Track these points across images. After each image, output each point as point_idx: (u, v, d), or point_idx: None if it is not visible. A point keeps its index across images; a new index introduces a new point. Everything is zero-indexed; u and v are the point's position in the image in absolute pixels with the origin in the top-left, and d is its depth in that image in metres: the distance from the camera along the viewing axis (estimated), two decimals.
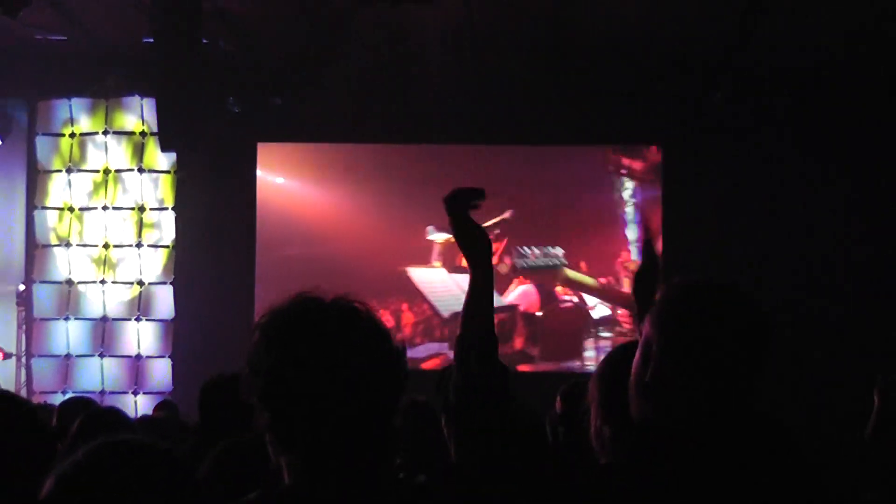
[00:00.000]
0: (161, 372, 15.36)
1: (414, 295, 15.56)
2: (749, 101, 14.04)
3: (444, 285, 15.59)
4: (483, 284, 3.40)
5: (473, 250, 3.40)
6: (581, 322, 15.41)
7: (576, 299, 15.48)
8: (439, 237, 15.52)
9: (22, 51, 14.51)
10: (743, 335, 2.85)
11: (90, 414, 5.96)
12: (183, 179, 15.52)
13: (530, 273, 15.51)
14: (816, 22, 12.42)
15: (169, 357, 15.38)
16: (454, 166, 14.94)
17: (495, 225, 15.24)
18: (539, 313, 15.51)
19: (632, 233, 15.32)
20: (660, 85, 14.00)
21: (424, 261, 15.55)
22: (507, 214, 15.33)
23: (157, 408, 10.53)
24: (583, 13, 13.05)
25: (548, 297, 15.51)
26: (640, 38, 13.39)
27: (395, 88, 13.75)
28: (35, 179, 15.79)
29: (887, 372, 5.76)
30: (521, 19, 13.19)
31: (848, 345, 12.50)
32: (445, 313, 15.40)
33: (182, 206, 15.55)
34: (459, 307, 3.46)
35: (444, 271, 15.67)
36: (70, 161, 15.73)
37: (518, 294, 15.49)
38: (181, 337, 15.21)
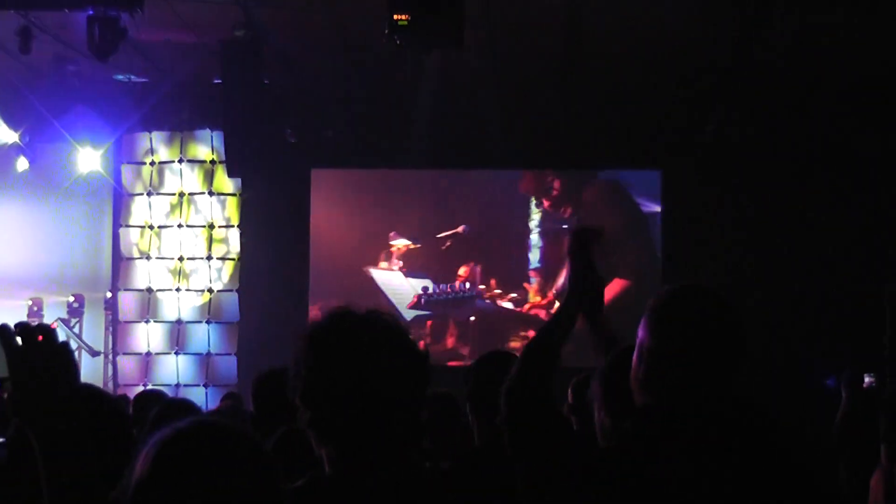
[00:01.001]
0: (228, 368, 15.40)
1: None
2: (741, 128, 13.97)
3: (402, 287, 15.42)
4: (574, 308, 3.38)
5: (582, 287, 3.39)
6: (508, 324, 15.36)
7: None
8: (400, 243, 15.51)
9: (110, 90, 14.55)
10: (720, 335, 2.86)
11: (166, 403, 5.98)
12: (246, 201, 15.54)
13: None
14: (808, 49, 12.36)
15: (234, 355, 15.42)
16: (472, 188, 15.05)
17: (447, 237, 15.34)
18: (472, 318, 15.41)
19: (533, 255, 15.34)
20: (659, 114, 13.94)
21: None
22: (459, 229, 15.34)
23: (223, 398, 10.53)
24: (590, 53, 13.05)
25: None
26: (641, 72, 13.35)
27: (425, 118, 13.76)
28: (120, 202, 15.85)
29: (853, 369, 5.76)
30: (537, 59, 13.18)
31: (823, 345, 12.43)
32: (405, 314, 15.09)
33: (246, 224, 15.59)
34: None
35: (401, 274, 15.52)
36: (150, 185, 15.82)
37: None
38: (245, 337, 15.23)
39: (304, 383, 2.62)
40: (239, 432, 2.18)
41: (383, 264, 15.45)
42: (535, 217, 15.34)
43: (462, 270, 15.44)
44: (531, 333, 14.79)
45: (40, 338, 2.02)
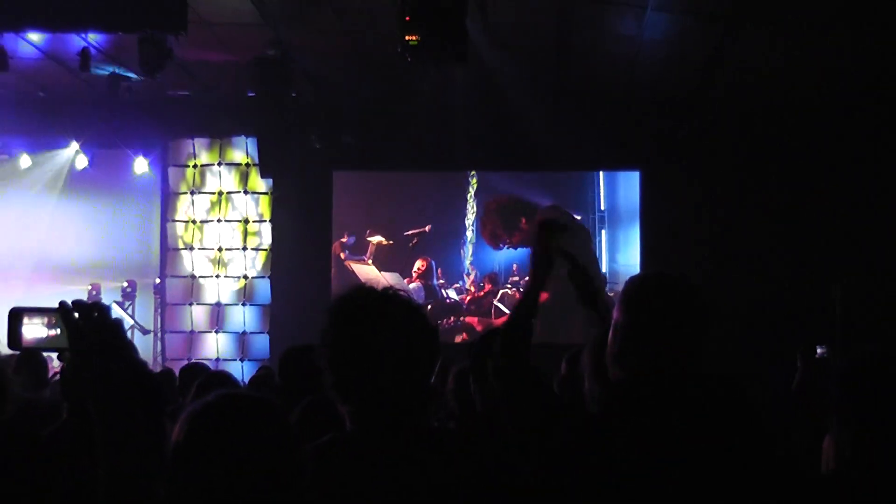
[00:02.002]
0: (261, 344, 15.42)
1: None
2: (712, 134, 13.97)
3: (377, 280, 15.09)
4: (539, 286, 3.38)
5: (543, 268, 3.37)
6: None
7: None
8: (374, 239, 15.45)
9: (158, 103, 14.56)
10: (686, 314, 2.85)
11: (207, 375, 5.99)
12: (277, 199, 15.56)
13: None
14: (768, 68, 12.35)
15: (267, 333, 15.43)
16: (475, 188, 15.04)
17: (414, 235, 15.31)
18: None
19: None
20: (638, 120, 13.92)
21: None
22: (426, 228, 15.34)
23: (257, 371, 10.56)
24: (579, 71, 13.04)
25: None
26: (621, 83, 13.33)
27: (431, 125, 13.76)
28: (168, 200, 15.87)
29: (808, 342, 5.76)
30: (529, 73, 13.15)
31: (782, 322, 12.41)
32: None
33: (276, 219, 15.59)
34: None
35: (374, 268, 15.39)
36: (193, 185, 15.86)
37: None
38: (276, 318, 15.24)
39: (329, 350, 2.64)
40: (259, 402, 2.22)
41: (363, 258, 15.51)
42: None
43: (418, 265, 15.44)
44: (470, 319, 15.07)
45: (95, 314, 2.02)
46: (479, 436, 3.19)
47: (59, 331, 2.03)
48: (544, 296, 3.49)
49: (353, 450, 2.58)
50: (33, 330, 2.06)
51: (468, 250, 15.31)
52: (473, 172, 15.24)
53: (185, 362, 13.17)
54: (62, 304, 2.02)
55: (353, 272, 15.26)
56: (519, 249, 15.06)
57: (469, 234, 15.30)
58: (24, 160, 15.79)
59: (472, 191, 15.30)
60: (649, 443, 2.69)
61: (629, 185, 15.06)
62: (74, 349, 1.98)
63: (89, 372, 1.96)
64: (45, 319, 2.05)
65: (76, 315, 2.01)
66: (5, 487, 2.42)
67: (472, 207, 15.25)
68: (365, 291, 2.70)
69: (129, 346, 2.05)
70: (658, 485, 2.65)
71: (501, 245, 15.17)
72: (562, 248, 3.47)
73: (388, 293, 2.69)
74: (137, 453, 1.93)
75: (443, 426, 2.96)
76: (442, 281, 15.32)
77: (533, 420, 3.03)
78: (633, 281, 3.00)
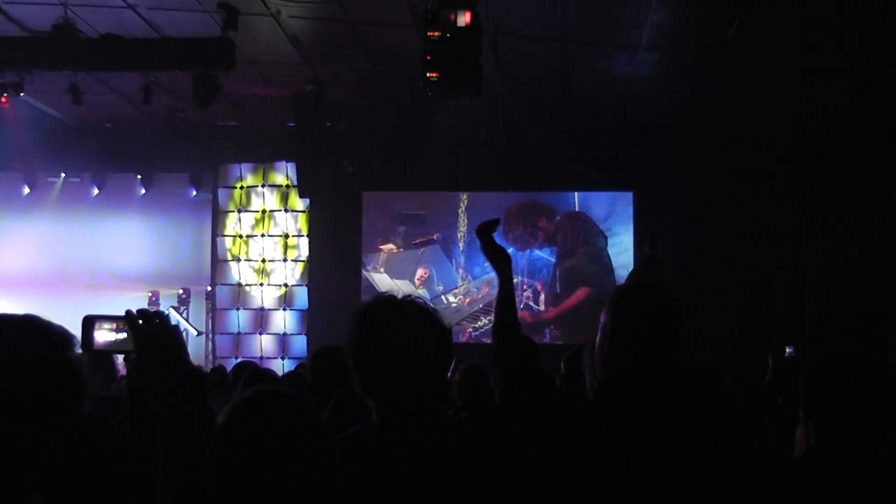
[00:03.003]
0: (299, 345, 15.43)
1: None
2: (695, 159, 13.97)
3: (389, 288, 14.87)
4: (505, 284, 3.28)
5: (496, 262, 3.36)
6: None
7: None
8: (385, 247, 15.44)
9: (209, 132, 14.63)
10: (661, 319, 2.89)
11: (253, 371, 6.03)
12: (313, 216, 15.60)
13: None
14: (742, 102, 12.37)
15: (305, 334, 15.45)
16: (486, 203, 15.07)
17: (423, 242, 15.29)
18: None
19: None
20: (631, 148, 13.94)
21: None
22: (434, 236, 15.32)
23: (296, 368, 10.58)
24: (579, 103, 13.06)
25: None
26: (617, 114, 13.34)
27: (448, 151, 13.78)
28: (218, 217, 15.92)
29: (777, 342, 5.76)
30: (537, 102, 13.19)
31: (757, 323, 12.37)
32: None
33: (313, 234, 15.61)
34: None
35: (387, 276, 15.37)
36: (240, 205, 15.87)
37: None
38: (313, 321, 15.25)
39: (356, 352, 2.66)
40: (290, 397, 2.25)
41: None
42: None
43: (419, 273, 15.44)
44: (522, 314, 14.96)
45: (157, 320, 2.05)
46: (488, 423, 3.19)
47: (125, 335, 2.07)
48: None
49: (380, 439, 2.59)
50: (103, 335, 2.08)
51: (460, 260, 15.33)
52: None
53: (233, 360, 13.23)
54: (128, 312, 2.04)
55: (371, 281, 15.31)
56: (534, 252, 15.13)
57: (461, 244, 15.32)
58: (92, 183, 15.91)
59: (462, 206, 15.34)
60: (634, 428, 2.74)
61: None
62: (139, 351, 2.02)
63: (151, 370, 1.99)
64: (114, 325, 2.07)
65: (140, 322, 2.04)
66: (84, 467, 2.47)
67: (464, 221, 15.26)
68: (387, 299, 2.71)
69: (184, 348, 2.07)
70: (643, 463, 2.69)
71: (527, 248, 15.10)
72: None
73: (407, 300, 2.70)
74: (188, 437, 1.96)
75: (456, 415, 2.97)
76: (441, 287, 15.32)
77: (534, 410, 3.04)
78: (617, 290, 3.07)
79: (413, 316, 2.65)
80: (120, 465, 2.46)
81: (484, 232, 3.37)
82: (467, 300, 15.19)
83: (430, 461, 2.52)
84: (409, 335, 2.61)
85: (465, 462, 2.55)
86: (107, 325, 2.08)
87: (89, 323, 2.07)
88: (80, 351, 1.93)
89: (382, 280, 15.32)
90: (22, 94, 11.83)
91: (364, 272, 15.35)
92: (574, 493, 2.75)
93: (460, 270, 15.31)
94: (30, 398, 1.75)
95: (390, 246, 15.42)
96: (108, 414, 2.80)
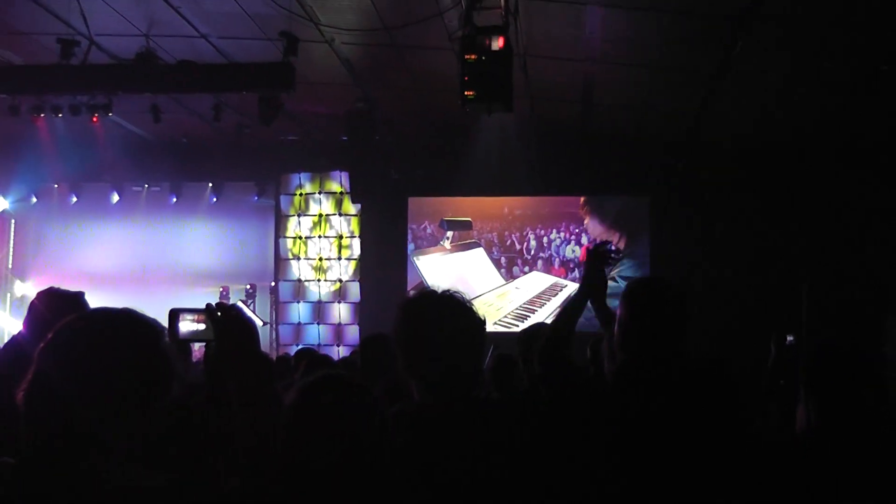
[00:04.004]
0: (353, 334, 15.44)
1: None
2: (703, 167, 13.87)
3: (454, 274, 15.05)
4: (581, 302, 3.31)
5: (592, 287, 3.33)
6: None
7: None
8: (448, 225, 15.40)
9: (272, 146, 14.70)
10: (669, 311, 2.89)
11: (313, 357, 6.07)
12: (364, 220, 15.62)
13: None
14: (744, 117, 12.28)
15: (357, 324, 15.46)
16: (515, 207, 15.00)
17: (469, 245, 15.29)
18: None
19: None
20: (648, 158, 13.86)
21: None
22: (479, 240, 15.17)
23: (350, 355, 10.61)
24: (600, 117, 13.01)
25: None
26: (634, 126, 13.28)
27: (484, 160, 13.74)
28: (280, 220, 15.98)
29: (779, 332, 5.72)
30: (562, 117, 13.16)
31: (761, 314, 12.26)
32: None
33: (364, 235, 15.64)
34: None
35: (452, 255, 15.31)
36: (299, 209, 15.93)
37: None
38: (364, 312, 15.27)
39: (399, 338, 2.67)
40: (349, 379, 2.26)
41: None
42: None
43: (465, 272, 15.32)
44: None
45: (233, 313, 2.07)
46: (516, 404, 3.19)
47: (205, 326, 2.09)
48: None
49: (420, 417, 2.60)
50: (186, 325, 2.11)
51: (502, 262, 15.31)
52: None
53: (294, 347, 13.30)
54: (209, 305, 2.07)
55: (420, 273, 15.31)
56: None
57: (503, 248, 15.28)
58: (170, 192, 16.05)
59: (504, 211, 15.31)
60: (645, 409, 2.74)
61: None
62: (218, 340, 2.04)
63: (229, 357, 2.01)
64: (195, 317, 2.10)
65: (219, 314, 2.06)
66: (174, 442, 2.51)
67: (507, 225, 15.23)
68: (428, 293, 2.73)
69: (256, 336, 2.09)
70: (654, 440, 2.69)
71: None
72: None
73: (446, 294, 2.71)
74: (261, 415, 1.98)
75: (488, 396, 2.97)
76: (484, 287, 15.21)
77: (563, 393, 3.04)
78: (631, 284, 3.05)
79: (451, 307, 2.66)
80: (202, 441, 2.49)
81: (598, 257, 3.35)
82: (508, 300, 15.13)
83: (464, 436, 2.53)
84: (446, 324, 2.62)
85: (495, 437, 2.55)
86: (189, 317, 2.11)
87: (174, 315, 2.11)
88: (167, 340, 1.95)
89: (438, 262, 15.33)
90: (110, 114, 11.95)
91: (415, 261, 15.34)
92: (591, 466, 2.75)
93: (502, 271, 15.26)
94: (129, 381, 1.78)
95: (440, 247, 15.40)
96: (186, 396, 2.83)
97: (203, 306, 2.10)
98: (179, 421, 2.43)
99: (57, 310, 3.49)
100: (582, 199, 15.00)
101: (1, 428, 1.99)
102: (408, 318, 2.68)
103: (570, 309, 3.34)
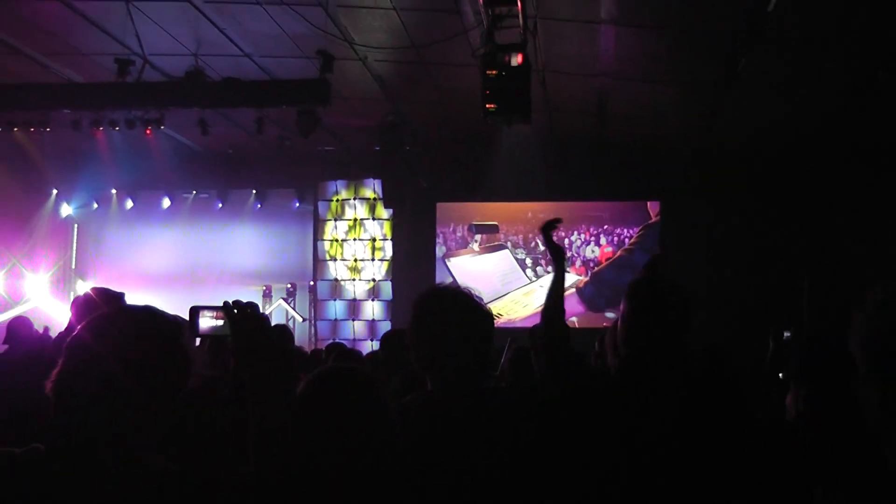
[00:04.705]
0: (385, 329, 15.26)
1: None
2: (711, 171, 13.76)
3: (482, 273, 14.97)
4: (559, 275, 3.26)
5: (554, 255, 3.31)
6: None
7: None
8: (477, 228, 15.28)
9: (310, 156, 14.77)
10: (670, 307, 2.82)
11: (341, 351, 6.07)
12: (396, 224, 15.63)
13: None
14: (748, 126, 12.18)
15: (389, 320, 15.44)
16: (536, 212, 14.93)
17: (496, 247, 15.14)
18: None
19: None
20: (660, 162, 13.75)
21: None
22: (505, 242, 15.10)
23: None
24: (614, 127, 12.94)
25: None
26: (646, 135, 13.19)
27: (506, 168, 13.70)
28: (318, 224, 16.01)
29: (777, 327, 5.65)
30: (578, 127, 13.11)
31: (763, 309, 12.13)
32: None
33: (396, 238, 15.64)
34: (487, 300, 3.26)
35: (481, 257, 15.22)
36: (336, 214, 15.93)
37: None
38: (396, 309, 15.27)
39: (411, 333, 2.65)
40: (354, 372, 2.24)
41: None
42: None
43: (493, 272, 15.28)
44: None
45: (249, 310, 2.05)
46: (527, 393, 3.15)
47: (223, 322, 2.09)
48: None
49: (432, 405, 2.58)
50: (206, 321, 2.10)
51: (527, 262, 15.23)
52: None
53: (331, 342, 13.35)
54: (225, 302, 2.05)
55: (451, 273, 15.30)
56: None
57: (527, 249, 15.22)
58: (217, 198, 16.15)
59: (528, 215, 15.23)
60: (649, 399, 2.69)
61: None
62: (234, 335, 2.03)
63: (243, 350, 2.00)
64: (214, 314, 2.10)
65: (235, 311, 2.05)
66: (193, 431, 2.51)
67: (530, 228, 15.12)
68: (438, 289, 2.70)
69: (270, 332, 2.07)
70: (655, 427, 2.64)
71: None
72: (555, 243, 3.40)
73: (456, 291, 2.68)
74: (276, 404, 1.96)
75: (496, 386, 2.94)
76: (511, 285, 15.15)
77: (567, 382, 3.00)
78: (634, 282, 2.99)
79: (459, 303, 2.63)
80: (220, 430, 2.49)
81: (546, 229, 3.35)
82: (533, 298, 15.05)
83: (473, 423, 2.50)
84: (455, 318, 2.59)
85: (500, 426, 2.52)
86: (209, 314, 2.09)
87: (195, 312, 2.10)
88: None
89: (470, 264, 15.27)
90: (162, 127, 12.08)
91: (447, 262, 15.31)
92: (593, 457, 2.71)
93: (527, 271, 15.22)
94: (148, 373, 1.77)
95: (469, 249, 15.37)
96: (212, 388, 2.82)
97: (220, 304, 2.09)
98: (196, 410, 2.42)
99: (97, 307, 3.50)
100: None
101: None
102: (418, 314, 2.66)
103: (553, 283, 3.27)
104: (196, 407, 2.45)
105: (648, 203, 14.89)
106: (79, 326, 1.79)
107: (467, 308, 2.63)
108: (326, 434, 2.08)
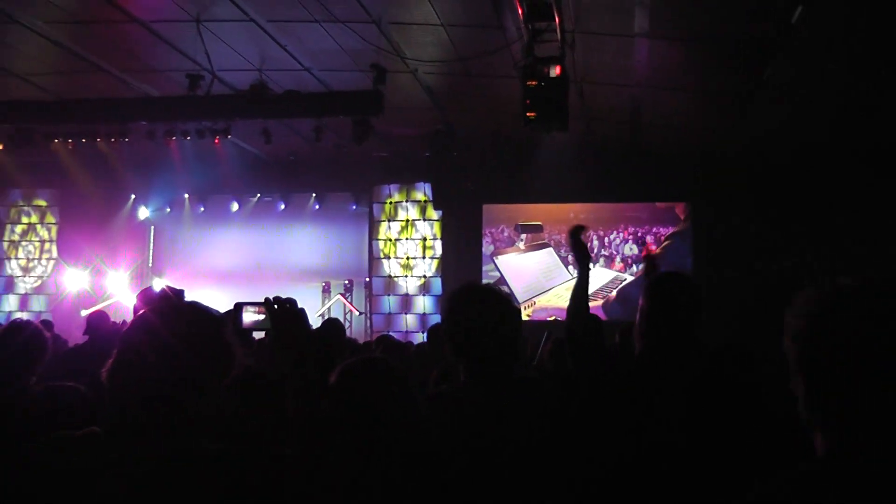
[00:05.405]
0: (435, 322, 15.38)
1: None
2: (735, 174, 13.56)
3: (528, 270, 14.87)
4: (584, 274, 3.28)
5: (580, 257, 3.31)
6: None
7: None
8: (522, 228, 15.16)
9: (365, 161, 14.86)
10: (686, 302, 2.81)
11: (388, 343, 6.09)
12: (445, 224, 15.63)
13: None
14: (766, 134, 11.99)
15: (439, 314, 15.37)
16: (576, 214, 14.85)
17: (540, 245, 14.98)
18: None
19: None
20: (689, 166, 13.59)
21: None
22: (549, 241, 15.01)
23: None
24: (646, 134, 12.82)
25: None
26: (676, 140, 13.05)
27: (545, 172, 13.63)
28: (373, 225, 16.08)
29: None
30: (612, 134, 13.00)
31: (780, 304, 11.91)
32: (521, 298, 14.53)
33: (445, 237, 15.63)
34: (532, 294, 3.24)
35: (526, 254, 15.07)
36: (389, 216, 16.00)
37: None
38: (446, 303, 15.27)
39: (445, 325, 2.66)
40: (379, 363, 2.25)
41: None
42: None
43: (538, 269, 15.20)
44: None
45: (287, 305, 2.08)
46: (553, 383, 3.14)
47: (264, 317, 2.11)
48: None
49: (465, 394, 2.58)
50: (249, 316, 2.13)
51: (570, 259, 14.98)
52: None
53: (381, 334, 13.38)
54: (266, 298, 2.08)
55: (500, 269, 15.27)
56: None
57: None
58: (279, 201, 16.31)
59: (571, 215, 15.10)
60: (665, 386, 2.67)
61: None
62: (274, 328, 2.05)
63: (282, 342, 2.03)
64: (256, 309, 2.13)
65: (275, 306, 2.08)
66: (242, 413, 2.55)
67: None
68: (469, 286, 2.70)
69: (307, 324, 2.09)
70: (671, 412, 2.62)
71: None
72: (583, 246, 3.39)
73: (485, 287, 2.69)
74: (312, 393, 1.99)
75: (526, 376, 2.93)
76: (555, 281, 15.06)
77: (591, 372, 2.99)
78: (652, 279, 2.98)
79: (488, 298, 2.64)
80: (263, 415, 2.51)
81: (574, 234, 3.35)
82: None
83: (499, 409, 2.50)
84: (485, 312, 2.59)
85: (526, 411, 2.52)
86: (251, 309, 2.12)
87: (239, 307, 2.13)
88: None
89: (519, 261, 15.20)
90: (229, 136, 12.24)
91: (495, 260, 15.28)
92: (604, 442, 2.70)
93: (569, 268, 15.12)
94: (194, 363, 1.81)
95: (515, 248, 15.33)
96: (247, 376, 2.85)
97: (262, 300, 2.11)
98: (239, 397, 2.45)
99: (154, 301, 3.58)
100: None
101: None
102: (450, 308, 2.68)
103: (578, 282, 3.27)
104: (239, 393, 2.48)
105: (676, 206, 14.71)
106: (131, 320, 1.84)
107: (495, 302, 2.64)
108: (352, 418, 2.10)
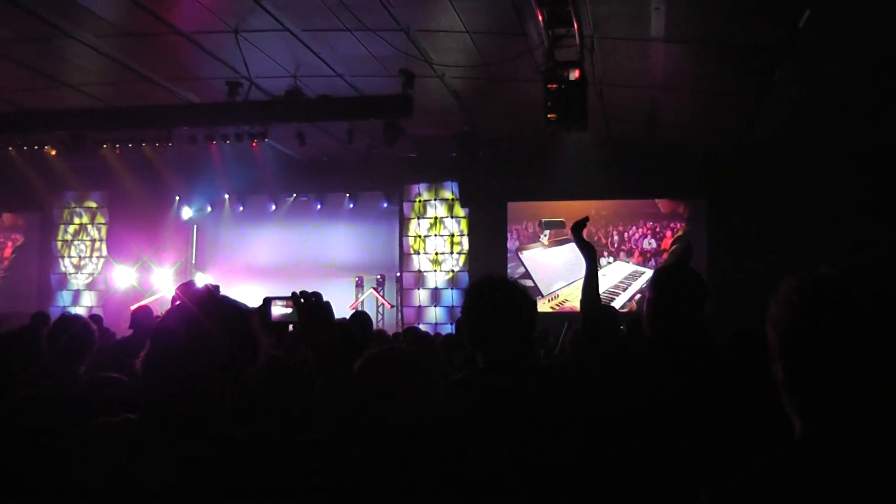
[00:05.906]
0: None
1: None
2: (753, 172, 13.40)
3: (551, 264, 14.80)
4: (592, 269, 3.27)
5: (585, 252, 3.31)
6: None
7: None
8: (546, 225, 15.10)
9: (396, 162, 14.88)
10: (686, 293, 2.78)
11: (414, 335, 6.10)
12: (472, 221, 15.59)
13: None
14: (776, 136, 11.84)
15: None
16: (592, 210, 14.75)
17: (563, 241, 14.82)
18: None
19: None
20: (706, 164, 13.46)
21: None
22: (570, 237, 14.86)
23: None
24: (664, 134, 12.72)
25: None
26: (693, 139, 12.92)
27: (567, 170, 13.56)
28: (403, 222, 16.10)
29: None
30: (631, 134, 12.91)
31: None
32: (545, 291, 14.59)
33: (472, 234, 15.61)
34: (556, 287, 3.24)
35: (550, 250, 14.99)
36: (419, 213, 16.01)
37: None
38: None
39: (464, 317, 2.66)
40: (403, 353, 2.24)
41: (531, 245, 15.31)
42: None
43: (561, 262, 15.07)
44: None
45: (314, 299, 2.09)
46: (578, 369, 3.12)
47: (292, 310, 2.13)
48: None
49: (484, 381, 2.58)
50: (278, 310, 2.15)
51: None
52: None
53: (408, 326, 13.42)
54: (293, 293, 2.09)
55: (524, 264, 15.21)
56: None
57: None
58: (315, 200, 16.37)
59: (592, 212, 15.01)
60: (669, 371, 2.66)
61: None
62: (301, 321, 2.07)
63: (309, 334, 2.04)
64: (284, 303, 2.14)
65: (302, 300, 2.09)
66: (262, 404, 2.57)
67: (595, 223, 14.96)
68: (487, 279, 2.68)
69: (332, 317, 2.10)
70: (676, 394, 2.61)
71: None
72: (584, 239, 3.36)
73: (501, 279, 2.67)
74: (337, 382, 2.00)
75: (542, 363, 2.92)
76: (578, 273, 14.91)
77: (600, 359, 2.98)
78: (657, 270, 2.96)
79: (505, 290, 2.63)
80: (288, 402, 2.53)
81: (576, 229, 3.34)
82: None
83: (522, 396, 2.50)
84: (501, 303, 2.58)
85: (547, 395, 2.51)
86: (280, 303, 2.14)
87: (268, 302, 2.15)
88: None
89: (540, 256, 15.14)
90: (266, 140, 12.32)
91: (520, 255, 15.23)
92: (621, 428, 2.68)
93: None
94: (220, 354, 1.82)
95: (539, 243, 15.29)
96: (281, 365, 2.87)
97: (289, 294, 2.13)
98: (266, 385, 2.47)
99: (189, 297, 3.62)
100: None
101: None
102: (469, 299, 2.67)
103: (587, 277, 3.25)
104: (266, 381, 2.50)
105: (691, 203, 14.58)
106: (164, 313, 1.86)
107: (509, 293, 2.63)
108: (373, 406, 2.10)
